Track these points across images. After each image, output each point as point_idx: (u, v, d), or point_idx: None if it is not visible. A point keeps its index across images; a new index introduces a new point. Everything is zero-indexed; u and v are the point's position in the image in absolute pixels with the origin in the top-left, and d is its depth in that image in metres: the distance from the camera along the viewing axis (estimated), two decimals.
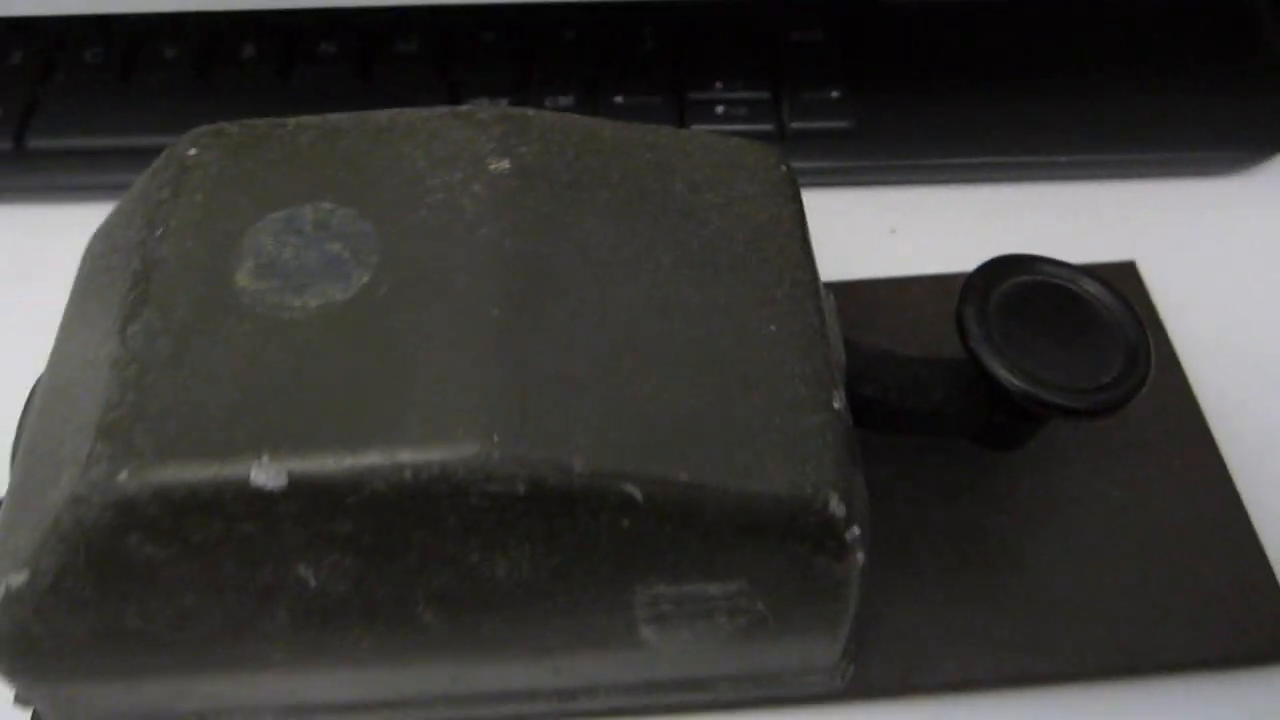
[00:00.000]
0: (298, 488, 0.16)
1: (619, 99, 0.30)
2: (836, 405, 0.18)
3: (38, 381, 0.22)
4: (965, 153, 0.30)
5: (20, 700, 0.22)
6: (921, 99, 0.30)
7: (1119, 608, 0.22)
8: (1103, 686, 0.22)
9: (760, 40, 0.31)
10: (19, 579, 0.17)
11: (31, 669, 0.19)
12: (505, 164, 0.19)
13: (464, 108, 0.20)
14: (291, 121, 0.20)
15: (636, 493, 0.16)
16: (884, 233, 0.29)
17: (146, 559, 0.17)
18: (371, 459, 0.16)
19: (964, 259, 0.24)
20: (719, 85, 0.30)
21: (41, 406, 0.20)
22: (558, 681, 0.20)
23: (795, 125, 0.30)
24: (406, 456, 0.16)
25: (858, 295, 0.27)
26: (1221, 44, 0.32)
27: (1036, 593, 0.22)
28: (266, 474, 0.16)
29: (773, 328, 0.19)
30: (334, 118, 0.20)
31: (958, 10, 0.32)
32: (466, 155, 0.19)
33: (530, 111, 0.20)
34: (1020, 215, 0.29)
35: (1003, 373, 0.20)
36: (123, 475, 0.16)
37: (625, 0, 0.32)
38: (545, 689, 0.21)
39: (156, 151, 0.23)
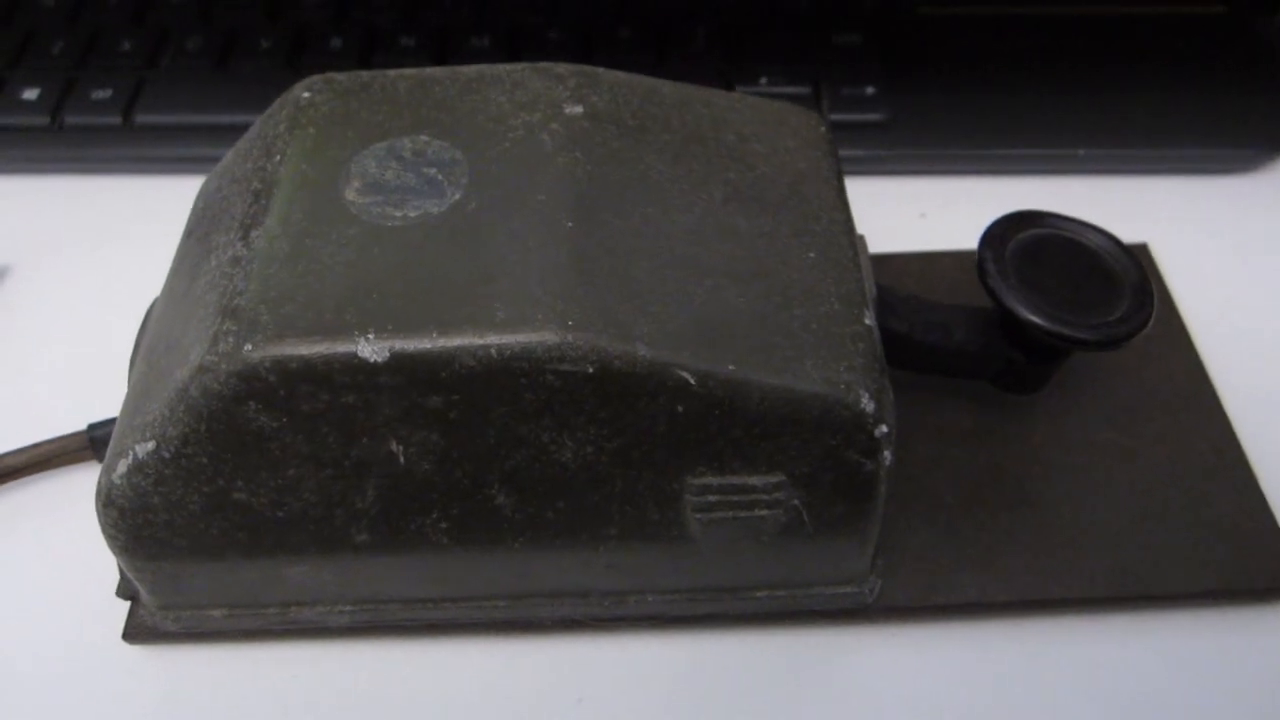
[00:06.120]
0: (398, 361, 0.18)
1: None
2: (868, 321, 0.20)
3: (153, 303, 0.25)
4: (991, 145, 0.32)
5: (121, 593, 0.24)
6: (951, 97, 0.33)
7: (1126, 543, 0.24)
8: (1107, 616, 0.24)
9: (805, 42, 0.34)
10: (146, 447, 0.20)
11: (145, 543, 0.21)
12: (579, 109, 0.22)
13: (543, 64, 0.23)
14: (392, 72, 0.23)
15: (690, 379, 0.19)
16: (914, 217, 0.32)
17: (259, 429, 0.19)
18: (463, 338, 0.18)
19: None
20: (764, 80, 0.33)
21: (160, 316, 0.22)
22: (610, 581, 0.22)
23: (833, 117, 0.32)
24: (493, 338, 0.18)
25: (890, 267, 0.29)
26: (1233, 53, 0.34)
27: (1049, 527, 0.24)
28: (371, 349, 0.18)
29: (811, 255, 0.21)
30: (429, 70, 0.23)
31: (985, 19, 0.35)
32: (545, 100, 0.22)
33: (600, 69, 0.23)
34: (1041, 205, 0.32)
35: (1020, 308, 0.22)
36: (247, 347, 0.18)
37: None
38: (598, 588, 0.23)
39: (247, 127, 0.25)
